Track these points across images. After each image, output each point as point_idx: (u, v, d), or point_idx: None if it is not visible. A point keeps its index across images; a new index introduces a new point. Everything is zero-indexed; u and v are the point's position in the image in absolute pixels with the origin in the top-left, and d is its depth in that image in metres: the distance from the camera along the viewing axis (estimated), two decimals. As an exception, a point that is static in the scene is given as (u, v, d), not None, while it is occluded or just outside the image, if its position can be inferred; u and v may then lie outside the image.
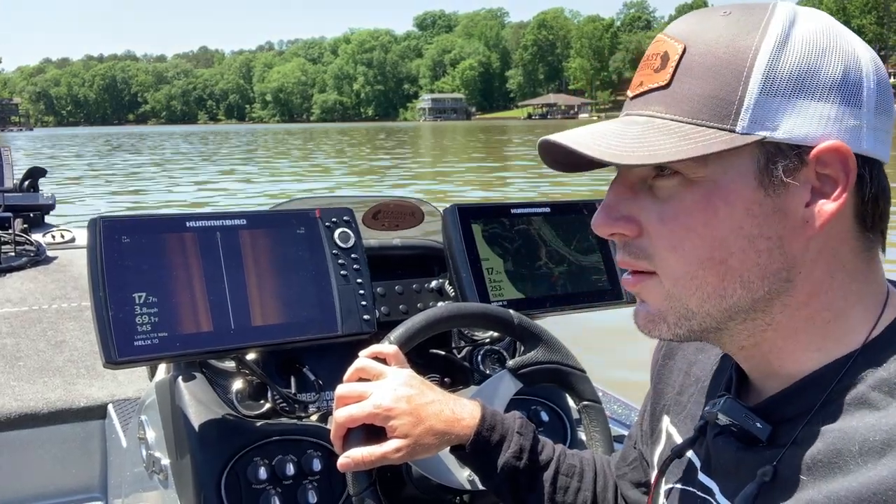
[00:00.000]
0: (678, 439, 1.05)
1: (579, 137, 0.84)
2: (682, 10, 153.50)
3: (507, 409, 1.73)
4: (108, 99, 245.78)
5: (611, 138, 0.82)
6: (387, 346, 1.32)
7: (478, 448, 1.22)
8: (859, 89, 0.80)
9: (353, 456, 1.21)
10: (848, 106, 0.80)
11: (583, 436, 1.57)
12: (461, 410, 1.24)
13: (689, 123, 0.80)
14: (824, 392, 0.81)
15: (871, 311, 0.84)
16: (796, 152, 0.79)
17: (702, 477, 0.95)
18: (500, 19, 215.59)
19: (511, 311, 1.50)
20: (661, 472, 1.04)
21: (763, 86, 0.79)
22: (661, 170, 0.83)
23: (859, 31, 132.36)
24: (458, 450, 1.25)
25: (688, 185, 0.82)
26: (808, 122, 0.79)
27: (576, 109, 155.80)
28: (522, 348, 1.50)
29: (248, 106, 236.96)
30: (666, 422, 1.10)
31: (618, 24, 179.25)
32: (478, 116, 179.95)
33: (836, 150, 0.79)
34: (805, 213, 0.80)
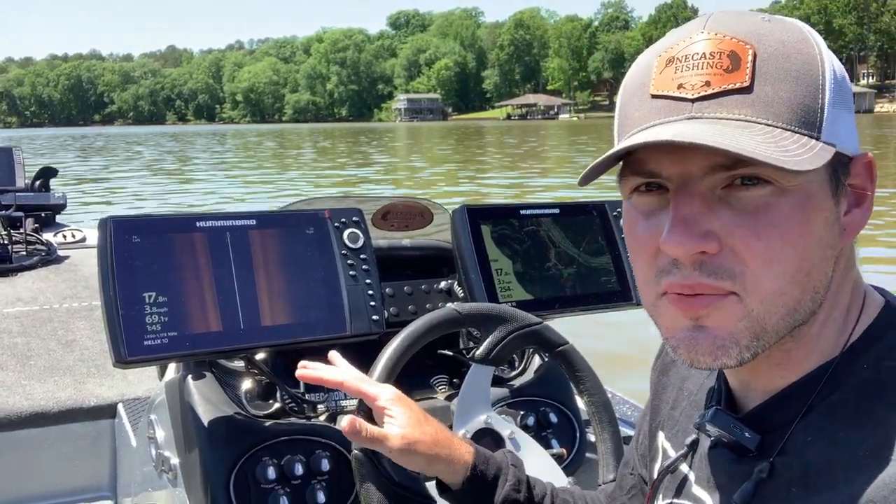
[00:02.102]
0: (672, 454, 1.06)
1: (717, 137, 0.76)
2: (662, 10, 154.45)
3: (516, 410, 1.77)
4: (74, 99, 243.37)
5: (757, 143, 0.77)
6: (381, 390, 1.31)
7: (474, 482, 1.23)
8: (852, 97, 0.86)
9: (355, 421, 1.22)
10: (853, 114, 0.85)
11: (592, 437, 1.61)
12: (455, 439, 1.28)
13: (787, 130, 0.78)
14: (810, 398, 0.83)
15: (852, 315, 0.87)
16: (846, 163, 0.83)
17: (696, 490, 0.97)
18: (475, 19, 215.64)
19: (452, 304, 1.52)
20: (655, 489, 1.06)
21: (832, 96, 0.80)
22: (745, 179, 0.79)
23: (840, 32, 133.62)
24: (448, 491, 1.27)
25: (781, 194, 0.79)
26: (849, 133, 0.83)
27: (556, 110, 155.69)
28: (479, 334, 1.54)
29: (217, 106, 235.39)
30: (661, 438, 1.12)
31: (596, 23, 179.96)
32: (454, 117, 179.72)
33: (870, 161, 0.84)
34: (844, 221, 0.83)
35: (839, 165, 0.81)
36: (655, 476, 1.08)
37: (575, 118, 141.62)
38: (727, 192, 0.80)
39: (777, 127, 0.78)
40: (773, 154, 0.74)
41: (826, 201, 0.81)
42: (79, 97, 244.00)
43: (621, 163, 0.86)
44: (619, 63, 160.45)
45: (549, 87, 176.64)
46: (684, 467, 1.00)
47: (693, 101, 0.80)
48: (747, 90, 0.79)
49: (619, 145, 0.82)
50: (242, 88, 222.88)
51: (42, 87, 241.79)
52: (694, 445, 0.98)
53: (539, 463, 1.49)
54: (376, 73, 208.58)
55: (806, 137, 0.78)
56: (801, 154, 0.76)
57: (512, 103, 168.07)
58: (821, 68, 0.81)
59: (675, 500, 1.01)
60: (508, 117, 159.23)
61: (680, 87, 0.81)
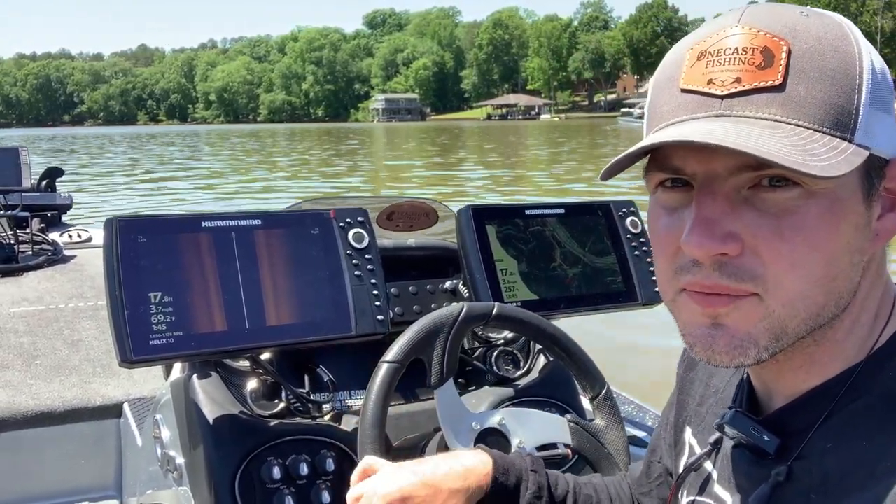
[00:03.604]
0: (698, 451, 1.06)
1: (740, 138, 0.76)
2: (642, 10, 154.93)
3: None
4: (42, 99, 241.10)
5: (782, 145, 0.76)
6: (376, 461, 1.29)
7: (497, 494, 1.22)
8: (893, 97, 0.84)
9: None
10: (892, 115, 0.83)
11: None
12: (469, 461, 1.24)
13: (817, 131, 0.77)
14: (831, 403, 0.83)
15: (881, 321, 0.86)
16: (881, 165, 0.81)
17: (717, 489, 0.98)
18: (452, 18, 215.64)
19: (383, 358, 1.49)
20: (679, 485, 1.07)
21: (869, 96, 0.79)
22: (772, 179, 0.78)
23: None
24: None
25: (809, 197, 0.78)
26: (888, 135, 0.82)
27: (536, 110, 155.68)
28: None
29: (190, 106, 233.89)
30: (688, 433, 1.12)
31: (575, 23, 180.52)
32: (433, 117, 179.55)
33: None
34: (877, 226, 0.82)
35: (874, 168, 0.80)
36: (681, 471, 1.10)
37: (556, 119, 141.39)
38: (753, 193, 0.79)
39: (808, 128, 0.77)
40: (799, 158, 0.74)
41: (857, 205, 0.80)
42: (48, 97, 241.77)
43: (648, 157, 0.86)
44: (600, 63, 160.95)
45: (528, 87, 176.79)
46: (708, 465, 1.01)
47: (722, 97, 0.80)
48: (779, 89, 0.78)
49: (643, 141, 0.82)
50: (216, 88, 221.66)
51: (9, 86, 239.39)
52: (717, 444, 0.99)
53: (543, 427, 1.53)
54: (353, 72, 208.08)
55: (838, 139, 0.77)
56: (829, 158, 0.75)
57: (492, 103, 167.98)
58: (859, 68, 0.79)
59: (698, 498, 1.02)
60: (489, 117, 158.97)
61: (710, 82, 0.81)
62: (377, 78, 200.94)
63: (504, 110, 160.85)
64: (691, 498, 1.04)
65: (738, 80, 0.79)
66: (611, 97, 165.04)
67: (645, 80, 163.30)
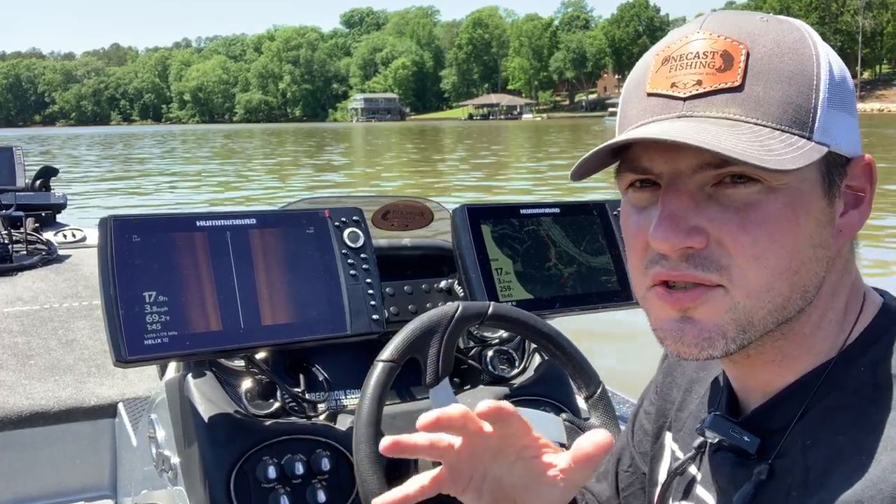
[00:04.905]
0: (680, 455, 1.09)
1: (700, 135, 0.80)
2: (623, 10, 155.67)
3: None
4: (13, 99, 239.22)
5: (739, 142, 0.80)
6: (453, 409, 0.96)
7: None
8: (854, 99, 0.89)
9: None
10: (853, 116, 0.88)
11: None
12: None
13: (776, 129, 0.82)
14: (806, 399, 0.86)
15: (850, 316, 0.90)
16: (842, 164, 0.86)
17: (699, 490, 1.01)
18: (431, 17, 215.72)
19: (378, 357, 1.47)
20: (665, 490, 1.10)
21: (827, 96, 0.83)
22: (734, 177, 0.82)
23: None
24: None
25: (769, 192, 0.82)
26: (848, 134, 0.86)
27: (519, 110, 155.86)
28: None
29: (164, 106, 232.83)
30: (668, 438, 1.15)
31: (556, 23, 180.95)
32: (412, 117, 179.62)
33: (869, 163, 0.88)
34: (840, 222, 0.87)
35: (834, 166, 0.85)
36: (664, 477, 1.13)
37: (538, 118, 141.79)
38: (716, 190, 0.83)
39: (766, 126, 0.81)
40: (755, 153, 0.78)
41: (817, 201, 0.84)
42: (18, 97, 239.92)
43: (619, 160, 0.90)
44: (582, 63, 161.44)
45: (509, 87, 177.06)
46: (692, 469, 1.04)
47: (684, 99, 0.84)
48: (738, 89, 0.82)
49: (610, 141, 0.86)
50: (190, 87, 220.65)
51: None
52: (701, 448, 1.01)
53: (538, 426, 1.55)
54: (331, 72, 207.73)
55: (796, 137, 0.81)
56: (785, 153, 0.79)
57: (472, 103, 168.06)
58: (816, 69, 0.84)
59: (682, 502, 1.05)
60: (470, 117, 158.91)
61: (673, 85, 0.85)
62: (356, 77, 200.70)
63: (486, 110, 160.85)
64: (675, 502, 1.07)
65: (700, 83, 0.84)
66: (592, 97, 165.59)
67: (626, 79, 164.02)
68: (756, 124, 0.82)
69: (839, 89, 0.85)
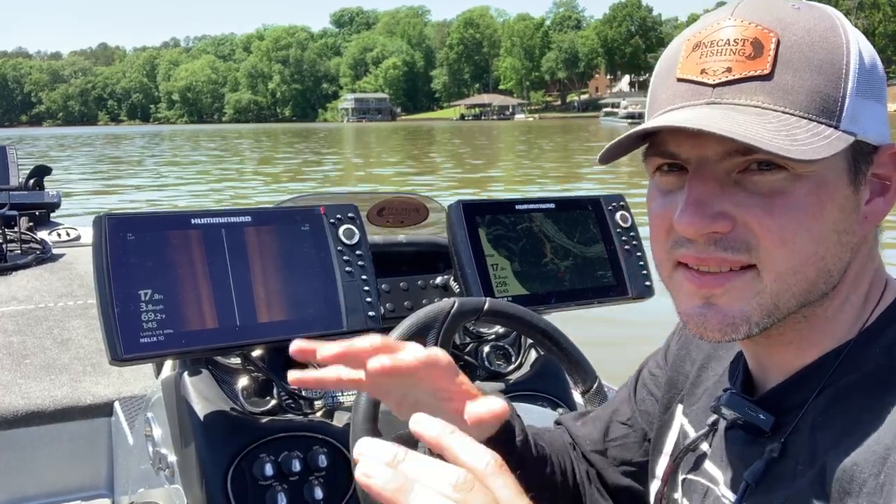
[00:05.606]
0: (690, 430, 1.11)
1: (726, 124, 0.82)
2: (616, 10, 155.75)
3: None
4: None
5: (765, 131, 0.81)
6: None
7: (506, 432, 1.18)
8: (884, 86, 0.90)
9: None
10: (882, 104, 0.89)
11: None
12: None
13: (803, 118, 0.83)
14: (823, 380, 0.88)
15: (871, 301, 0.92)
16: (869, 152, 0.87)
17: (708, 466, 1.03)
18: (422, 17, 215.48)
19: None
20: (676, 464, 1.11)
21: (855, 85, 0.85)
22: (760, 163, 0.84)
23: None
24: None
25: (795, 179, 0.83)
26: (876, 123, 0.87)
27: (511, 110, 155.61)
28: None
29: (152, 106, 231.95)
30: (679, 410, 1.16)
31: (548, 23, 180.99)
32: (403, 117, 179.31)
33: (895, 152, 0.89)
34: (865, 210, 0.88)
35: (860, 154, 0.86)
36: (669, 448, 1.15)
37: (531, 119, 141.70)
38: (742, 177, 0.85)
39: (793, 115, 0.83)
40: (781, 143, 0.79)
41: (843, 188, 0.85)
42: (4, 97, 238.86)
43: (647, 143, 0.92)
44: (574, 63, 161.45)
45: (501, 87, 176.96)
46: (704, 445, 1.06)
47: (713, 86, 0.86)
48: (767, 77, 0.84)
49: (639, 126, 0.88)
50: (179, 87, 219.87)
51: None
52: (714, 425, 1.03)
53: (534, 421, 1.56)
54: (320, 71, 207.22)
55: (823, 126, 0.83)
56: (811, 143, 0.80)
57: (464, 103, 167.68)
58: (846, 58, 0.85)
59: (690, 476, 1.07)
60: (462, 118, 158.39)
61: (703, 72, 0.87)
62: (346, 77, 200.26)
63: (478, 110, 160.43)
64: (684, 476, 1.09)
65: (729, 70, 0.86)
66: (583, 97, 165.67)
67: (618, 80, 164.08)
68: (784, 113, 0.83)
69: (868, 77, 0.87)
